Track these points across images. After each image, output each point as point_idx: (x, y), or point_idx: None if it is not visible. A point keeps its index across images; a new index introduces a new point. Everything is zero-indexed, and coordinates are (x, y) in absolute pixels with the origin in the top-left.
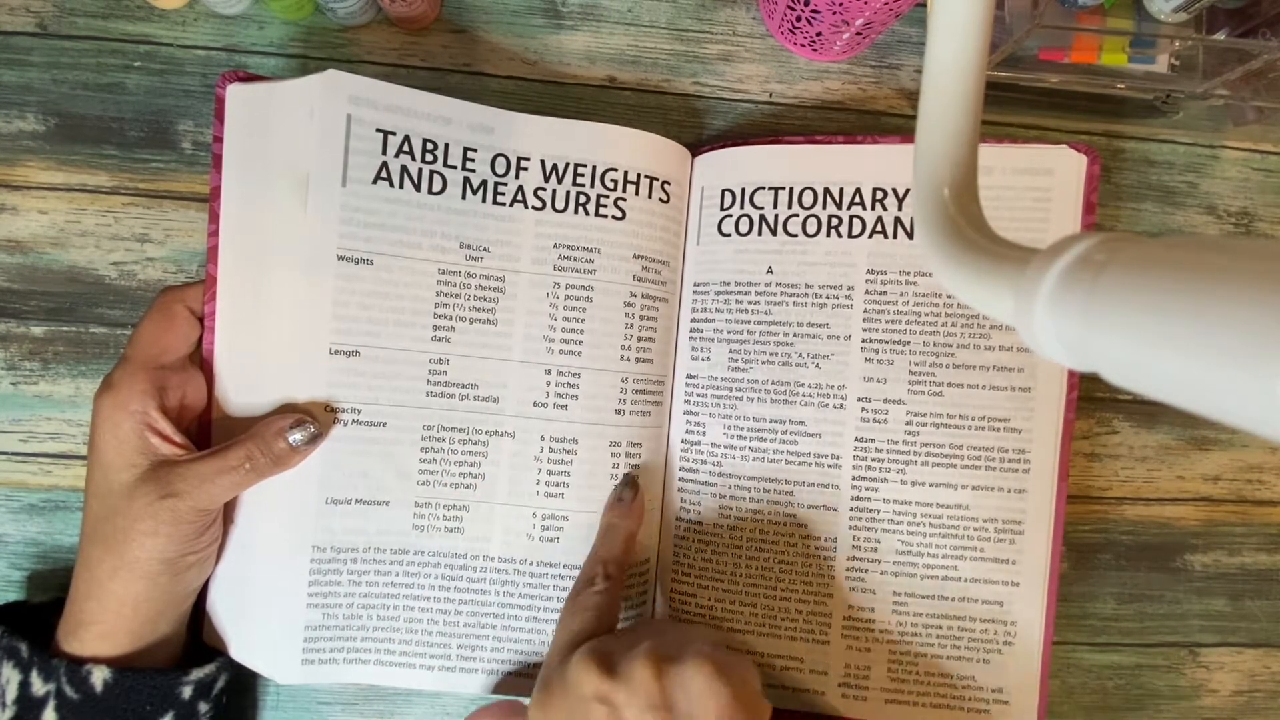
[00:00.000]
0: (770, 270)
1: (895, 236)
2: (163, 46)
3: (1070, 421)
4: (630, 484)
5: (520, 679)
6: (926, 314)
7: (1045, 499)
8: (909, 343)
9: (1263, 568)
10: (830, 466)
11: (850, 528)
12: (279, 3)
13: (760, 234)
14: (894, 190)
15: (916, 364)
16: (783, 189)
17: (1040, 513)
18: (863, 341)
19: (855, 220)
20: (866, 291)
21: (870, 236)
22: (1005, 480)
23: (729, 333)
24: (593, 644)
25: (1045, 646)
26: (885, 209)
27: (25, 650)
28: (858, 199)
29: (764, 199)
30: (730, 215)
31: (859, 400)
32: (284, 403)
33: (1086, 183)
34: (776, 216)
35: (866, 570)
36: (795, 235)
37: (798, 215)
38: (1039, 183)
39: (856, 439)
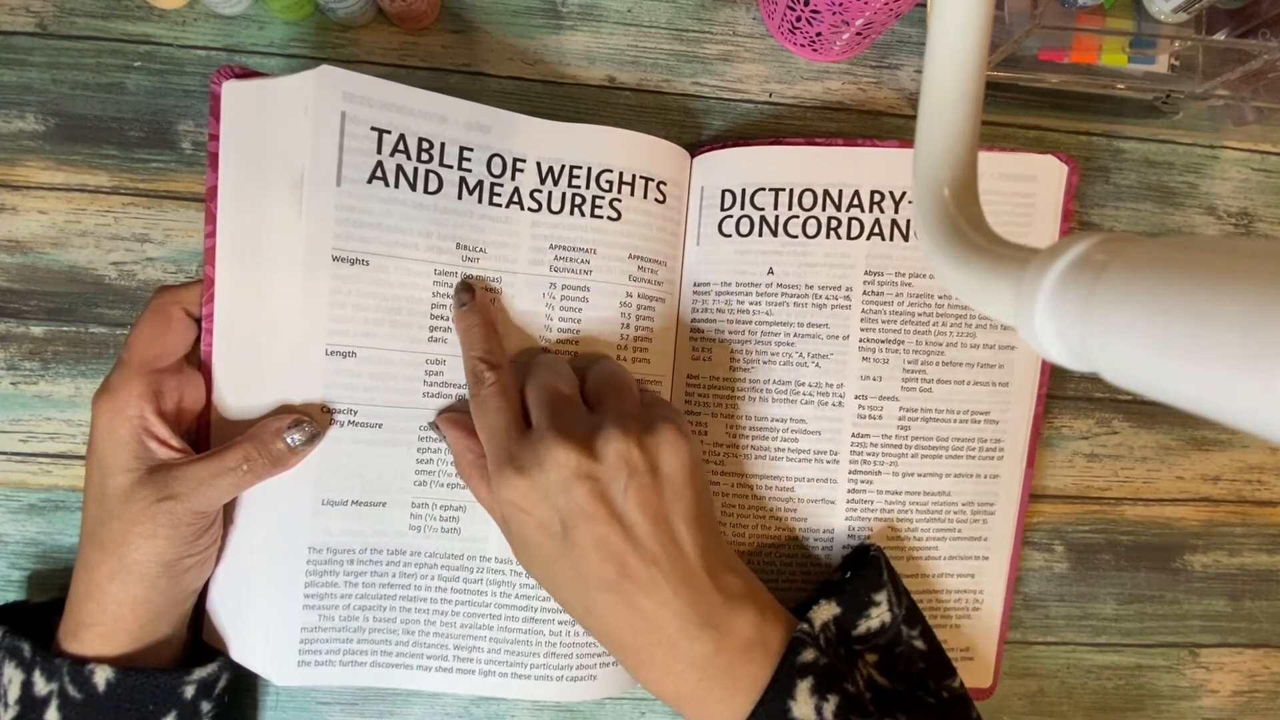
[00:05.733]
0: (771, 271)
1: (892, 239)
2: (163, 46)
3: (1040, 412)
4: (464, 288)
5: (519, 679)
6: (920, 314)
7: (1014, 482)
8: (903, 342)
9: (1263, 568)
10: (829, 462)
11: (846, 519)
12: (279, 3)
13: (761, 235)
14: (891, 193)
15: (909, 362)
16: (783, 190)
17: (1009, 494)
18: (860, 341)
19: (854, 222)
20: (864, 293)
21: (868, 239)
22: (982, 467)
23: (730, 333)
24: (553, 426)
25: (1005, 609)
26: (883, 211)
27: (28, 650)
28: (856, 201)
29: (764, 200)
30: (731, 216)
31: (856, 398)
32: (281, 404)
33: (1066, 191)
34: (777, 218)
35: None
36: (795, 236)
37: (798, 217)
38: (1024, 188)
39: (853, 435)
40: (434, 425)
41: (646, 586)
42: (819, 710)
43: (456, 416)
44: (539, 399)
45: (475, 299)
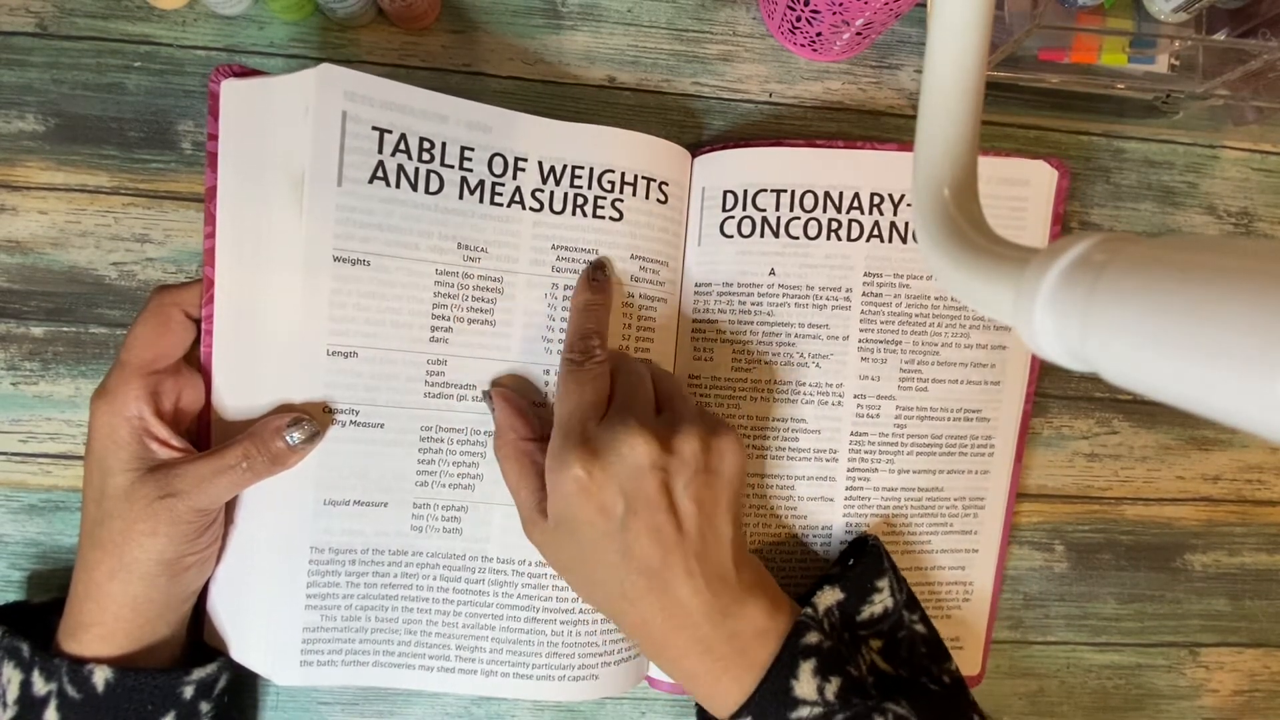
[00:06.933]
0: (773, 272)
1: (890, 241)
2: (163, 47)
3: (1028, 410)
4: (600, 265)
5: (521, 679)
6: (916, 315)
7: (1004, 477)
8: (900, 342)
9: (1263, 568)
10: (828, 460)
11: (844, 515)
12: (279, 3)
13: (762, 236)
14: (890, 196)
15: (906, 362)
16: (784, 191)
17: (999, 489)
18: (859, 342)
19: (854, 224)
20: (864, 294)
21: (868, 240)
22: (974, 464)
23: (732, 333)
24: (637, 416)
25: (993, 599)
26: (882, 214)
27: (27, 650)
28: (856, 203)
29: (766, 201)
30: (732, 217)
31: (855, 397)
32: (281, 404)
33: (1056, 195)
34: (779, 219)
35: None
36: (796, 238)
37: (799, 218)
38: (1015, 193)
39: (852, 433)
40: (486, 395)
41: (683, 574)
42: (821, 690)
43: (510, 394)
44: (632, 387)
45: (609, 280)
